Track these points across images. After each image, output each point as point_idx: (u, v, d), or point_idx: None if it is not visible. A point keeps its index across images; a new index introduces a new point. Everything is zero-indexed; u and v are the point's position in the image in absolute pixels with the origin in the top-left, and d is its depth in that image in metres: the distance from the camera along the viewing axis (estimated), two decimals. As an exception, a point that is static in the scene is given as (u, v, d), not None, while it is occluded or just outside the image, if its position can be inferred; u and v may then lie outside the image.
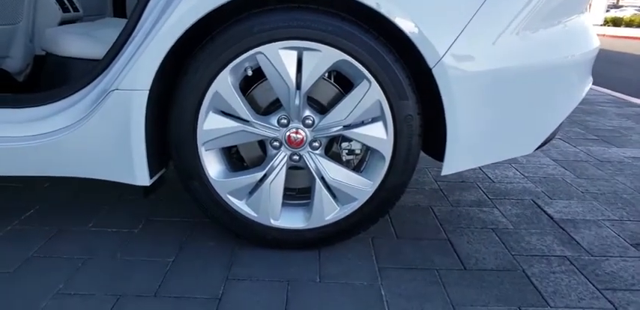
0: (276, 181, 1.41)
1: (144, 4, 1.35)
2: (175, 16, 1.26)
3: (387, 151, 1.38)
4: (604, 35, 16.54)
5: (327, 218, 1.44)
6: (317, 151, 1.42)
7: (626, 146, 2.76)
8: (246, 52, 1.29)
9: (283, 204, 1.45)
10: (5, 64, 2.05)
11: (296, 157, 1.42)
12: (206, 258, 1.45)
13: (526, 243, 1.59)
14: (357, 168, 1.52)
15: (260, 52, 1.29)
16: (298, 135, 1.38)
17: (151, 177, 1.43)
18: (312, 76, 1.32)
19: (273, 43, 1.28)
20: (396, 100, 1.33)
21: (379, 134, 1.37)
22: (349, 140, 1.44)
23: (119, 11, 2.50)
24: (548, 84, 1.42)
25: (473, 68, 1.31)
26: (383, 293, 1.31)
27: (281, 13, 1.28)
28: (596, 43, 1.52)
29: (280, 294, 1.29)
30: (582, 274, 1.42)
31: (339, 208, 1.44)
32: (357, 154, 1.48)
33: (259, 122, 1.37)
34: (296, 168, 1.47)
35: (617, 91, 4.74)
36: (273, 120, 1.39)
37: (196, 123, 1.35)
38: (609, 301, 1.30)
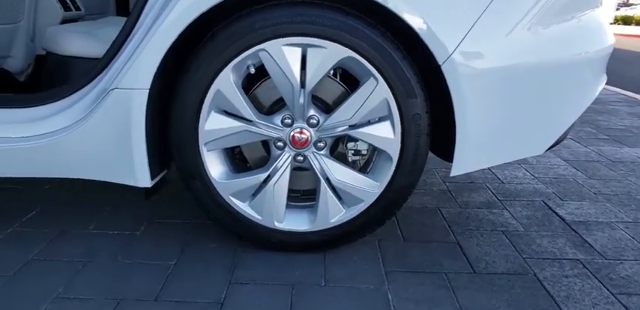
0: (280, 183, 1.37)
1: (144, 1, 1.32)
2: (176, 12, 1.22)
3: (395, 151, 1.34)
4: (614, 34, 16.38)
5: (333, 220, 1.40)
6: (322, 152, 1.38)
7: (638, 146, 2.70)
8: (248, 49, 1.26)
9: (287, 206, 1.41)
10: (6, 63, 2.02)
11: (300, 158, 1.38)
12: (208, 261, 1.41)
13: (537, 246, 1.54)
14: (363, 169, 1.48)
15: (263, 49, 1.26)
16: (303, 135, 1.35)
17: (153, 178, 1.39)
18: (317, 74, 1.28)
19: (277, 40, 1.25)
20: (403, 99, 1.29)
21: (386, 134, 1.33)
22: (355, 140, 1.40)
23: (122, 10, 2.47)
24: (561, 82, 1.37)
25: (483, 65, 1.27)
26: (390, 297, 1.27)
27: (284, 9, 1.24)
28: (611, 40, 1.47)
29: (284, 298, 1.25)
30: (596, 278, 1.37)
31: (344, 210, 1.40)
32: (363, 155, 1.43)
33: (262, 122, 1.33)
34: (300, 169, 1.43)
35: (628, 90, 4.66)
36: (277, 119, 1.35)
37: (198, 123, 1.32)
38: (624, 306, 1.25)
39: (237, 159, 1.50)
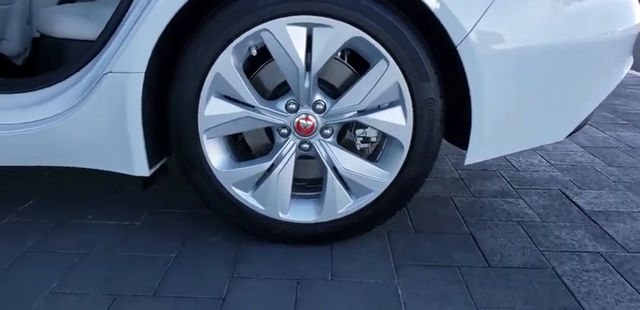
0: (285, 172, 1.30)
1: (139, -22, 1.23)
2: (171, -11, 1.14)
3: (406, 139, 1.26)
4: None
5: (340, 211, 1.33)
6: (329, 139, 1.30)
7: (658, 131, 2.60)
8: (249, 29, 1.17)
9: (292, 196, 1.34)
10: (1, 47, 1.95)
11: (306, 146, 1.30)
12: (210, 254, 1.35)
13: (555, 238, 1.47)
14: (372, 157, 1.40)
15: (265, 29, 1.17)
16: (308, 122, 1.27)
17: (151, 167, 1.32)
18: (324, 56, 1.19)
19: (280, 19, 1.16)
20: (416, 82, 1.21)
21: (397, 120, 1.24)
22: (364, 127, 1.32)
23: (121, -10, 2.37)
24: (584, 64, 1.28)
25: (502, 46, 1.18)
26: (400, 292, 1.20)
27: (288, -14, 1.15)
28: (639, 18, 1.37)
29: (289, 294, 1.19)
30: (618, 273, 1.30)
31: (352, 201, 1.33)
32: (372, 142, 1.35)
33: (265, 107, 1.25)
34: (306, 157, 1.36)
35: (644, 73, 4.51)
36: (281, 105, 1.27)
37: (197, 109, 1.24)
38: (650, 303, 1.18)
39: (242, 147, 1.43)
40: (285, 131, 1.29)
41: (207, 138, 1.28)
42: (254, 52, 1.23)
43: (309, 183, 1.47)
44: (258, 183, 1.33)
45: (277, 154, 1.30)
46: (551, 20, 1.22)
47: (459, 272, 1.29)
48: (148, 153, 1.29)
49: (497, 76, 1.20)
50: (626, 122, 2.76)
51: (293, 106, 1.26)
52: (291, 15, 1.15)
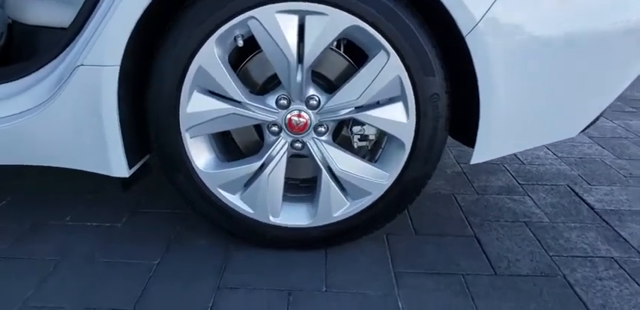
0: (276, 172, 1.19)
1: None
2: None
3: (408, 137, 1.15)
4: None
5: (336, 214, 1.23)
6: (323, 137, 1.19)
7: (668, 120, 2.50)
8: (235, 17, 1.05)
9: (284, 198, 1.24)
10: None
11: (298, 144, 1.19)
12: (195, 261, 1.26)
13: (565, 241, 1.38)
14: (370, 157, 1.30)
15: (252, 17, 1.05)
16: (301, 119, 1.16)
17: (131, 166, 1.22)
18: (318, 47, 1.08)
19: (269, 6, 1.04)
20: (419, 76, 1.09)
21: (398, 117, 1.13)
22: (362, 123, 1.21)
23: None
24: (600, 55, 1.17)
25: (514, 36, 1.07)
26: (400, 305, 1.11)
27: (277, -32, 1.03)
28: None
29: (280, 306, 1.10)
30: (635, 281, 1.21)
31: (349, 203, 1.23)
32: (370, 140, 1.25)
33: (254, 103, 1.14)
34: (299, 155, 1.25)
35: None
36: (271, 100, 1.16)
37: (178, 106, 1.13)
38: (670, 315, 1.10)
39: (230, 145, 1.32)
40: (275, 129, 1.18)
41: (190, 137, 1.17)
42: (240, 43, 1.11)
43: (303, 181, 1.37)
44: (246, 185, 1.22)
45: (267, 154, 1.19)
46: (569, 8, 1.10)
47: (464, 281, 1.20)
48: (126, 152, 1.18)
49: (508, 69, 1.09)
50: (634, 109, 2.66)
51: (284, 102, 1.15)
52: (281, 1, 1.03)
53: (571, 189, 1.70)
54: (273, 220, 1.24)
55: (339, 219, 1.24)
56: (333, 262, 1.27)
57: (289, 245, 1.29)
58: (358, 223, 1.25)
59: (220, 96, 1.13)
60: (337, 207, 1.23)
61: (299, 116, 1.16)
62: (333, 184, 1.20)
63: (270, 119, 1.16)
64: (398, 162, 1.18)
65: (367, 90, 1.11)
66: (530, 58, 1.10)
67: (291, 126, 1.17)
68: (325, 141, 1.19)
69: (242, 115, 1.15)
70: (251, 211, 1.24)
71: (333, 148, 1.19)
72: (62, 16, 1.43)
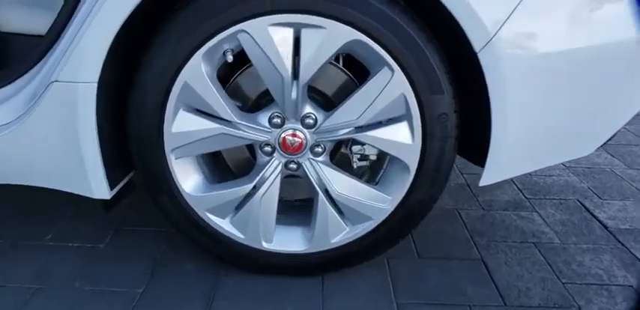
0: (269, 195, 1.10)
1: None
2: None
3: (413, 160, 1.06)
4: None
5: (334, 240, 1.14)
6: (320, 158, 1.10)
7: (679, 125, 2.41)
8: (224, 30, 0.96)
9: (277, 220, 1.15)
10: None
11: (293, 165, 1.10)
12: (182, 288, 1.17)
13: (578, 265, 1.29)
14: (371, 177, 1.21)
15: (243, 30, 0.95)
16: (296, 139, 1.06)
17: (113, 187, 1.13)
18: (315, 63, 0.98)
19: (261, 18, 0.94)
20: (426, 94, 1.00)
21: (403, 138, 1.04)
22: (362, 143, 1.12)
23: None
24: (620, 71, 1.08)
25: (529, 52, 0.97)
26: (403, 341, 1.03)
27: (270, -23, 0.92)
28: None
29: (273, 343, 1.02)
30: (654, 312, 1.13)
31: (348, 228, 1.14)
32: (371, 159, 1.16)
33: (245, 122, 1.05)
34: (294, 176, 1.16)
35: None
36: (263, 118, 1.07)
37: (162, 125, 1.03)
38: (692, 354, 1.01)
39: (220, 164, 1.23)
40: (268, 149, 1.09)
41: (176, 158, 1.08)
42: (230, 58, 1.01)
43: (298, 200, 1.28)
44: (237, 208, 1.13)
45: (260, 175, 1.10)
46: (589, 21, 1.01)
47: (471, 313, 1.12)
48: (107, 171, 1.09)
49: (523, 86, 1.00)
50: (643, 114, 2.56)
51: (278, 120, 1.06)
52: (274, 13, 0.93)
53: (581, 203, 1.61)
54: (265, 246, 1.16)
55: (337, 244, 1.15)
56: (330, 288, 1.18)
57: (283, 271, 1.20)
58: (358, 249, 1.16)
59: (208, 115, 1.04)
60: (335, 233, 1.14)
61: (294, 135, 1.06)
62: (330, 208, 1.11)
63: (262, 139, 1.07)
64: (401, 185, 1.09)
65: (368, 110, 1.02)
66: (547, 74, 1.00)
67: (285, 147, 1.07)
68: (322, 162, 1.10)
69: (232, 135, 1.05)
70: (242, 236, 1.15)
71: (330, 170, 1.10)
72: (37, 23, 1.33)
